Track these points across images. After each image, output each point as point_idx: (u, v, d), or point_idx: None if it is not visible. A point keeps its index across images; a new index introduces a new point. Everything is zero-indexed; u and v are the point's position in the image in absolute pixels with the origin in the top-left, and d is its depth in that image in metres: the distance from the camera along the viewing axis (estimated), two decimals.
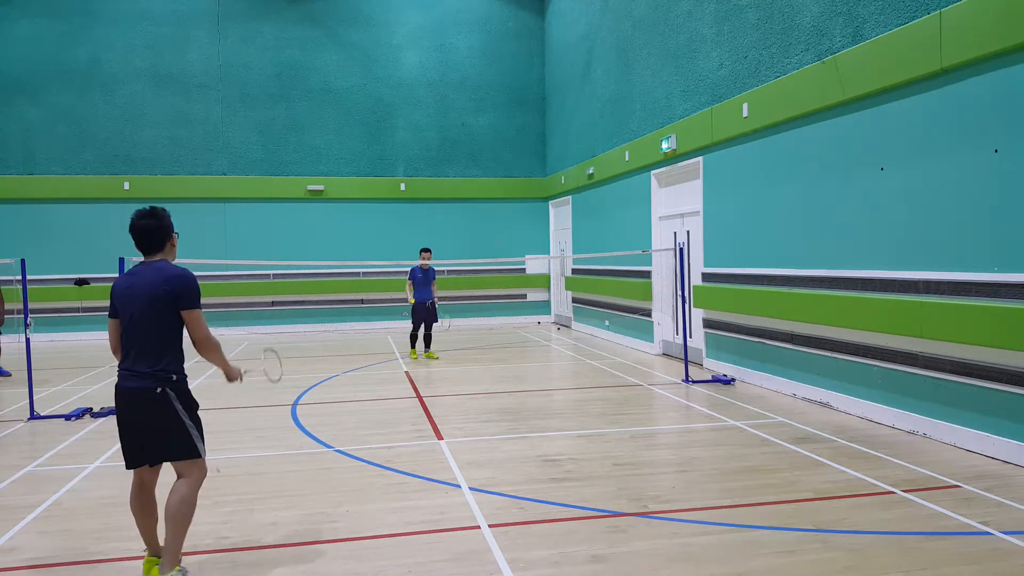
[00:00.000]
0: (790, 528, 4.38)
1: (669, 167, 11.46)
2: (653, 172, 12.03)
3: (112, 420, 7.65)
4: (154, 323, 3.68)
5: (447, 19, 17.90)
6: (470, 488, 5.25)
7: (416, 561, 4.01)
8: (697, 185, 10.62)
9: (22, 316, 8.10)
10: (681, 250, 10.58)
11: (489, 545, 4.20)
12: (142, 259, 3.86)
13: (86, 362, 12.41)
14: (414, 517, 4.69)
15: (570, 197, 16.64)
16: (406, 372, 10.80)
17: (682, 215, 11.28)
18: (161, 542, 3.84)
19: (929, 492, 4.97)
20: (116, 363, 3.83)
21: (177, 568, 3.71)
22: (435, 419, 7.51)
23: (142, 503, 3.82)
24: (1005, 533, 4.22)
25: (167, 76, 16.69)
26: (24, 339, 8.14)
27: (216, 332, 18.60)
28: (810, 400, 8.04)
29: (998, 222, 5.73)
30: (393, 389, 9.39)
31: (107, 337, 3.91)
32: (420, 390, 9.26)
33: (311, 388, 9.48)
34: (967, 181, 6.01)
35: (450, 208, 17.99)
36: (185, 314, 3.72)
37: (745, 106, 9.06)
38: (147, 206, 3.89)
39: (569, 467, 5.74)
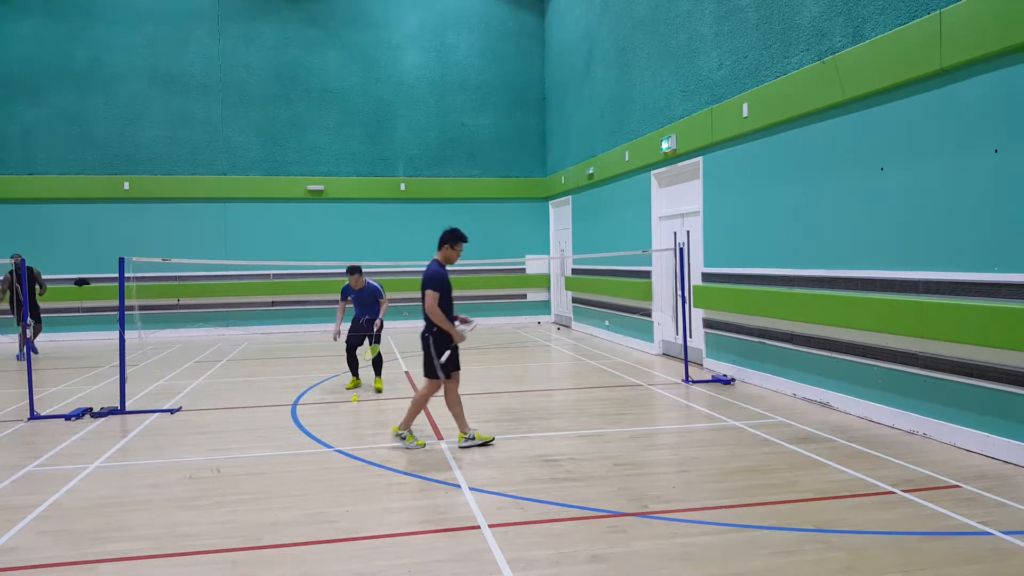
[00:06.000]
0: (790, 528, 4.38)
1: (669, 167, 11.46)
2: (653, 172, 12.03)
3: (110, 420, 7.76)
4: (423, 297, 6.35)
5: (447, 19, 17.91)
6: (470, 488, 5.25)
7: (416, 561, 4.01)
8: (697, 185, 10.62)
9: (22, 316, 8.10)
10: (681, 250, 10.58)
11: (489, 545, 4.20)
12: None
13: (86, 362, 12.40)
14: (414, 517, 4.70)
15: (570, 197, 16.64)
16: (406, 372, 10.80)
17: (682, 215, 11.28)
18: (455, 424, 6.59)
19: (929, 492, 4.97)
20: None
21: (465, 435, 6.46)
22: (435, 419, 7.51)
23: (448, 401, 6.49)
24: (1005, 533, 4.22)
25: (167, 76, 16.69)
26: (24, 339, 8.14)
27: (216, 332, 18.33)
28: (810, 400, 8.04)
29: (998, 222, 5.73)
30: (393, 389, 9.39)
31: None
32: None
33: (311, 388, 9.48)
34: (967, 181, 6.01)
35: (450, 208, 17.98)
36: (426, 292, 6.30)
37: (745, 106, 9.06)
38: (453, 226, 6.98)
39: (569, 467, 5.74)
